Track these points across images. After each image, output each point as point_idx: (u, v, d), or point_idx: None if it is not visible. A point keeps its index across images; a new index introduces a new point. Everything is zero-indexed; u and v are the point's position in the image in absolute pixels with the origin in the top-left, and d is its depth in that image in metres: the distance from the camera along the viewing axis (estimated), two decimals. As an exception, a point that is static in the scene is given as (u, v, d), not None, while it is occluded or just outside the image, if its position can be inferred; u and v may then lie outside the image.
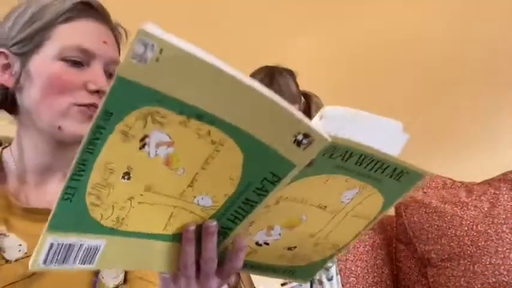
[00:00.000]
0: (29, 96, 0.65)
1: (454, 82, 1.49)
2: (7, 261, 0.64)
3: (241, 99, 0.35)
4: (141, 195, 0.40)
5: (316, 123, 0.40)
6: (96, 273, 0.67)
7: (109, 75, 0.69)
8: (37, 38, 0.65)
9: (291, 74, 1.24)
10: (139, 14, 1.60)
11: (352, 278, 1.23)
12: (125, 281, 0.71)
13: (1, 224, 0.65)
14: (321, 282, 1.15)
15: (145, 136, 0.37)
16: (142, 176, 0.39)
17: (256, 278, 1.02)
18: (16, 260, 0.64)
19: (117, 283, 0.71)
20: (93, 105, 0.65)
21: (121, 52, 0.74)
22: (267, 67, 1.25)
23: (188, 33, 1.43)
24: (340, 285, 1.20)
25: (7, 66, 0.66)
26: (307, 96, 1.30)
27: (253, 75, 1.24)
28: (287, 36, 1.57)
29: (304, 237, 0.48)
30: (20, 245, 0.65)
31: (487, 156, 1.44)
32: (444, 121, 1.49)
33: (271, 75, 1.22)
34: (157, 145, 0.38)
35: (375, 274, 1.24)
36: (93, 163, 0.37)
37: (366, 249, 1.26)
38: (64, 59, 0.65)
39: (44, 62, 0.65)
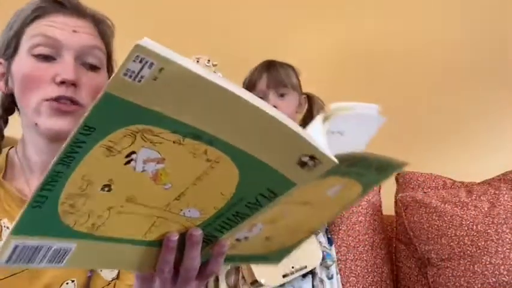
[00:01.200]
0: (16, 97, 0.69)
1: (454, 82, 1.49)
2: None
3: (245, 120, 0.33)
4: (122, 206, 0.38)
5: (321, 136, 0.37)
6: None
7: (88, 66, 0.69)
8: (15, 40, 0.68)
9: (292, 68, 1.26)
10: (139, 12, 1.60)
11: (352, 278, 1.22)
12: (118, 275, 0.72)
13: (5, 218, 0.68)
14: (321, 281, 1.15)
15: (132, 152, 0.34)
16: (125, 189, 0.37)
17: (257, 271, 1.02)
18: None
19: (114, 276, 0.72)
20: (62, 98, 0.65)
21: (112, 45, 0.74)
22: (268, 60, 1.26)
23: (187, 31, 1.44)
24: (340, 284, 1.20)
25: (3, 74, 0.70)
26: (310, 97, 1.31)
27: (254, 69, 1.26)
28: (286, 35, 1.57)
29: (283, 228, 0.47)
30: None
31: (487, 156, 1.44)
32: (444, 121, 1.49)
33: (269, 64, 1.25)
34: (145, 161, 0.35)
35: (375, 274, 1.24)
36: (69, 175, 0.34)
37: (366, 248, 1.26)
38: (34, 55, 0.66)
39: (20, 61, 0.67)
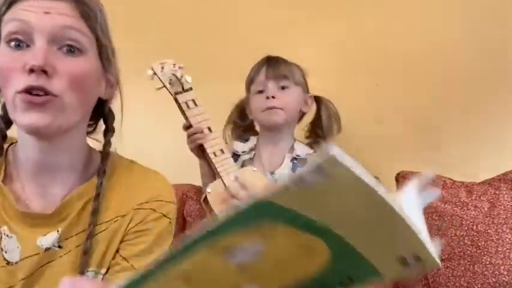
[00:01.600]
0: None
1: (455, 82, 1.49)
2: (8, 263, 0.64)
3: (375, 219, 0.28)
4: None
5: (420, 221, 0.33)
6: (83, 272, 0.66)
7: (66, 50, 0.61)
8: None
9: (298, 66, 1.25)
10: (147, 10, 1.60)
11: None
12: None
13: (5, 225, 0.64)
14: None
15: (233, 247, 0.30)
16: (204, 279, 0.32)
17: None
18: (16, 263, 0.64)
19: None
20: (32, 88, 0.58)
21: (102, 29, 0.66)
22: (270, 55, 1.25)
23: (187, 31, 1.44)
24: None
25: None
26: (318, 99, 1.30)
27: (256, 64, 1.25)
28: (286, 35, 1.57)
29: None
30: (18, 247, 0.64)
31: (487, 156, 1.44)
32: (444, 121, 1.49)
33: (269, 58, 1.23)
34: (242, 256, 0.30)
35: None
36: (168, 270, 0.31)
37: (366, 249, 1.26)
38: (8, 43, 0.60)
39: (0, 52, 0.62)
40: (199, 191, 1.40)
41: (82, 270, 0.65)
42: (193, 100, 1.13)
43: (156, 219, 0.70)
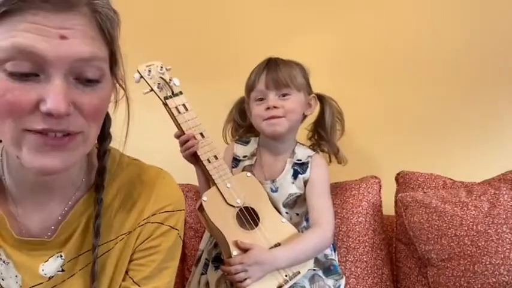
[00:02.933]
0: None
1: (455, 82, 1.50)
2: None
3: None
4: None
5: None
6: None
7: (85, 81, 0.52)
8: None
9: (300, 66, 1.21)
10: (146, 10, 1.60)
11: (352, 279, 1.22)
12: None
13: (1, 247, 0.58)
14: None
15: None
16: None
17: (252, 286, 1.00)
18: None
19: None
20: (51, 131, 0.50)
21: (117, 39, 0.58)
22: (270, 57, 1.21)
23: (189, 31, 1.44)
24: None
25: None
26: (321, 97, 1.26)
27: (255, 67, 1.21)
28: (288, 34, 1.57)
29: None
30: (16, 276, 0.58)
31: (487, 156, 1.44)
32: (444, 121, 1.49)
33: (269, 63, 1.18)
34: None
35: (375, 275, 1.24)
36: None
37: (366, 250, 1.25)
38: (6, 71, 0.48)
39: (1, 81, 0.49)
40: (199, 191, 1.40)
41: None
42: (183, 105, 1.09)
43: (164, 233, 0.66)
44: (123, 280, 0.64)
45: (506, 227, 1.12)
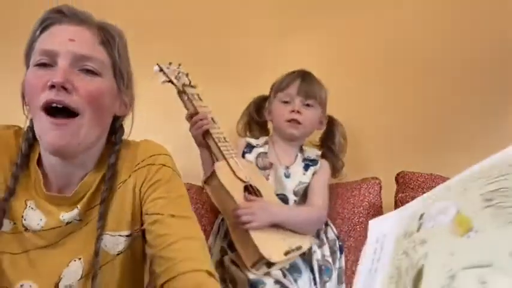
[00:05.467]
0: None
1: (455, 82, 1.50)
2: (26, 229, 0.75)
3: None
4: None
5: None
6: (99, 238, 0.75)
7: (86, 71, 0.71)
8: (29, 52, 0.73)
9: (324, 88, 1.32)
10: (142, 15, 1.60)
11: (353, 279, 1.22)
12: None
13: (32, 199, 0.76)
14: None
15: None
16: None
17: (262, 248, 1.04)
18: (34, 232, 0.75)
19: (119, 250, 0.79)
20: (51, 102, 0.67)
21: (115, 50, 0.75)
22: (304, 69, 1.32)
23: (184, 35, 1.44)
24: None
25: None
26: (332, 119, 1.36)
27: (289, 73, 1.30)
28: (286, 37, 1.57)
29: None
30: (41, 219, 0.75)
31: (487, 156, 1.44)
32: (444, 121, 1.50)
33: (305, 73, 1.30)
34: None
35: (376, 274, 1.24)
36: None
37: (367, 249, 1.26)
38: (36, 64, 0.70)
39: (28, 72, 0.71)
40: (199, 191, 1.40)
41: (100, 235, 0.75)
42: (197, 94, 1.21)
43: (158, 170, 0.79)
44: (144, 221, 0.78)
45: (507, 226, 1.12)
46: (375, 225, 0.41)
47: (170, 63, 1.20)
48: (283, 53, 1.52)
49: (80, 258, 0.76)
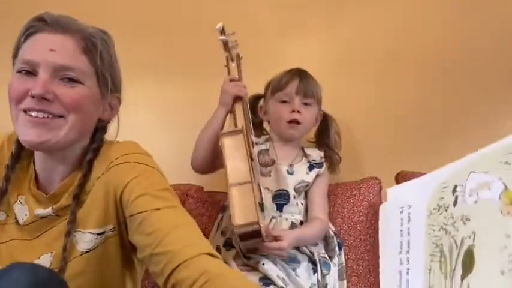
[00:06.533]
0: None
1: (455, 82, 1.50)
2: (17, 222, 0.82)
3: None
4: None
5: None
6: (68, 234, 0.78)
7: (67, 80, 0.74)
8: (15, 57, 0.77)
9: (318, 83, 1.32)
10: (141, 13, 1.60)
11: (353, 277, 1.23)
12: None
13: (24, 195, 0.83)
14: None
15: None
16: None
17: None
18: (20, 225, 0.81)
19: (88, 248, 0.80)
20: (32, 110, 0.73)
21: (98, 57, 0.77)
22: (300, 68, 1.32)
23: (187, 30, 1.44)
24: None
25: None
26: (327, 116, 1.36)
27: (286, 72, 1.30)
28: (287, 36, 1.57)
29: None
30: (26, 214, 0.81)
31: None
32: (444, 121, 1.49)
33: (302, 72, 1.30)
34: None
35: (376, 273, 1.24)
36: None
37: (367, 248, 1.26)
38: (18, 71, 0.75)
39: (12, 77, 0.76)
40: (199, 190, 1.40)
41: (69, 231, 0.78)
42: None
43: (133, 167, 0.79)
44: (130, 224, 0.77)
45: (507, 226, 1.12)
46: (395, 193, 0.39)
47: (233, 33, 1.20)
48: (283, 52, 1.53)
49: (52, 252, 0.80)
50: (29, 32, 0.75)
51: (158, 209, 0.73)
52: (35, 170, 0.83)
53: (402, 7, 1.53)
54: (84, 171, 0.80)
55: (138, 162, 0.80)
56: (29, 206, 0.82)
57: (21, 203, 0.82)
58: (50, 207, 0.80)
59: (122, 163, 0.80)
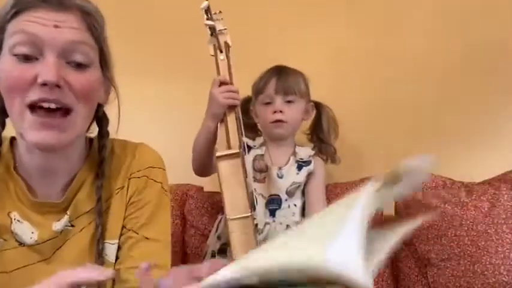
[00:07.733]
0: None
1: (455, 82, 1.50)
2: (20, 244, 0.69)
3: None
4: None
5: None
6: (100, 254, 0.71)
7: (75, 64, 0.64)
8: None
9: (303, 75, 1.30)
10: (145, 12, 1.60)
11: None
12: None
13: (15, 211, 0.69)
14: None
15: None
16: None
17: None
18: (29, 246, 0.69)
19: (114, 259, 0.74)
20: (45, 100, 0.61)
21: (103, 39, 0.69)
22: (278, 65, 1.30)
23: (186, 30, 1.42)
24: None
25: None
26: (318, 105, 1.35)
27: (264, 73, 1.29)
28: (286, 36, 1.57)
29: None
30: (32, 232, 0.69)
31: (487, 156, 1.44)
32: (444, 121, 1.49)
33: (279, 70, 1.29)
34: None
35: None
36: None
37: (366, 249, 1.26)
38: (15, 54, 0.61)
39: (2, 61, 0.63)
40: (199, 190, 1.41)
41: (99, 244, 0.70)
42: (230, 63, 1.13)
43: (147, 186, 0.75)
44: (122, 234, 0.73)
45: (506, 227, 1.12)
46: None
47: (220, 12, 1.10)
48: (283, 52, 1.52)
49: None
50: (17, 8, 0.62)
51: (147, 238, 0.73)
52: (20, 176, 0.70)
53: (402, 7, 1.53)
54: (99, 172, 0.73)
55: (155, 181, 0.76)
56: (34, 222, 0.70)
57: (18, 221, 0.69)
58: (65, 215, 0.71)
59: (143, 176, 0.76)
